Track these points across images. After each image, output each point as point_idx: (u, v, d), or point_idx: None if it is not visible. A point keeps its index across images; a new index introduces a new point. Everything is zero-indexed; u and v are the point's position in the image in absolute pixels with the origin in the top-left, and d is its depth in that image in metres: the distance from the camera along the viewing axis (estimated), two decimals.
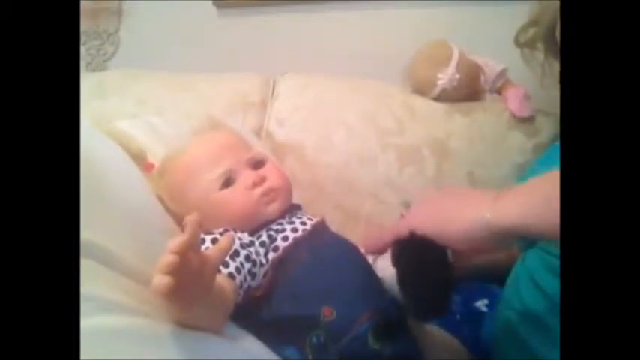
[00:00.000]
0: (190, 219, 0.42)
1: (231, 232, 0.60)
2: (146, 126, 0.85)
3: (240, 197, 0.65)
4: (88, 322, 0.38)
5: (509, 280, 0.76)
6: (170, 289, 0.39)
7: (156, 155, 0.75)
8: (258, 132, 1.00)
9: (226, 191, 0.65)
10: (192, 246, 0.41)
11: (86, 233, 0.46)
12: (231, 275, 0.53)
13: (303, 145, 0.96)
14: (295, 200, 0.72)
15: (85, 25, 1.42)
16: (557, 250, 0.66)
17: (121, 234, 0.52)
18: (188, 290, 0.41)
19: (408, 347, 0.57)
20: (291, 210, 0.69)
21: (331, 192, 0.93)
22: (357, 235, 0.71)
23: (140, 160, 0.72)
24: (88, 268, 0.44)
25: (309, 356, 0.53)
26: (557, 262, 0.66)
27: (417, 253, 0.55)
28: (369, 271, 0.61)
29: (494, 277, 0.78)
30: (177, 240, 0.40)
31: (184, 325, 0.46)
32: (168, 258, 0.39)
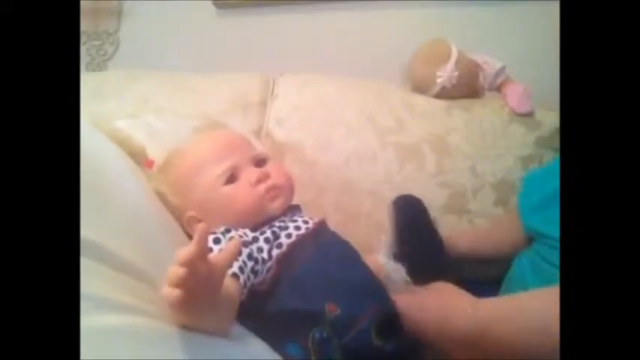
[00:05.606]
0: (199, 228, 0.42)
1: (237, 237, 0.60)
2: (145, 126, 0.85)
3: (245, 193, 0.66)
4: (88, 321, 0.38)
5: (504, 282, 0.77)
6: (181, 301, 0.39)
7: (155, 153, 0.75)
8: (258, 132, 1.00)
9: (230, 187, 0.66)
10: (200, 256, 0.41)
11: (86, 232, 0.46)
12: (235, 275, 0.53)
13: (302, 145, 0.96)
14: (295, 199, 0.72)
15: (85, 25, 1.42)
16: (551, 256, 0.67)
17: (121, 232, 0.52)
18: (197, 299, 0.42)
19: (408, 344, 0.57)
20: (292, 210, 0.70)
21: (331, 191, 0.93)
22: (358, 235, 0.71)
23: (140, 157, 0.72)
24: (87, 267, 0.44)
25: (312, 352, 0.53)
26: (547, 268, 0.67)
27: (411, 215, 0.66)
28: (369, 270, 0.62)
29: (492, 279, 0.78)
30: (186, 251, 0.40)
31: (190, 329, 0.46)
32: (177, 271, 0.40)
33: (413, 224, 0.67)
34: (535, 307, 0.53)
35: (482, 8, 1.24)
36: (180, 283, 0.40)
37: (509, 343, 0.52)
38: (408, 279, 0.65)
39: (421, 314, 0.59)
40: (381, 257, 0.68)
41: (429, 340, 0.58)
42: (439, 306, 0.59)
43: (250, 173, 0.67)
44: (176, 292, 0.39)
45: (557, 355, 0.36)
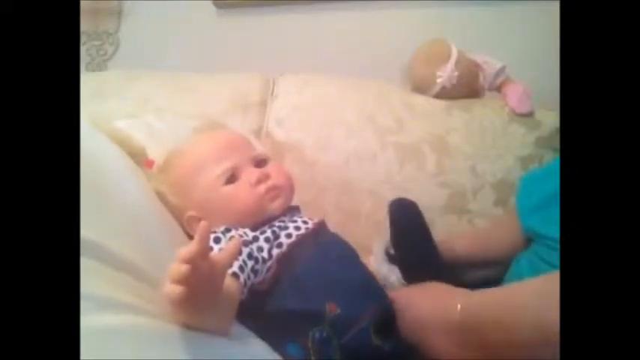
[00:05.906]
0: (200, 227, 0.42)
1: (237, 236, 0.60)
2: (145, 126, 0.85)
3: (245, 193, 0.66)
4: (88, 321, 0.38)
5: (503, 284, 0.77)
6: (182, 298, 0.39)
7: (155, 153, 0.75)
8: (258, 132, 1.00)
9: (231, 187, 0.66)
10: (202, 254, 0.41)
11: (86, 232, 0.46)
12: (235, 275, 0.53)
13: (302, 145, 0.96)
14: (295, 199, 0.72)
15: (85, 25, 1.42)
16: (550, 257, 0.67)
17: (121, 232, 0.52)
18: (199, 297, 0.42)
19: (407, 343, 0.58)
20: (291, 210, 0.70)
21: (331, 191, 0.93)
22: (358, 235, 0.71)
23: (140, 157, 0.72)
24: (87, 267, 0.44)
25: (311, 352, 0.54)
26: (546, 268, 0.67)
27: (405, 218, 0.67)
28: (368, 270, 0.63)
29: (491, 281, 0.78)
30: (188, 249, 0.40)
31: (190, 328, 0.46)
32: (179, 268, 0.40)
33: (407, 227, 0.67)
34: (530, 293, 0.52)
35: (483, 8, 1.24)
36: (182, 280, 0.40)
37: (505, 338, 0.51)
38: (403, 281, 0.65)
39: (414, 310, 0.59)
40: (373, 262, 0.68)
41: (425, 339, 0.58)
42: (432, 299, 0.59)
43: (250, 173, 0.67)
44: (178, 289, 0.40)
45: (558, 356, 0.36)
